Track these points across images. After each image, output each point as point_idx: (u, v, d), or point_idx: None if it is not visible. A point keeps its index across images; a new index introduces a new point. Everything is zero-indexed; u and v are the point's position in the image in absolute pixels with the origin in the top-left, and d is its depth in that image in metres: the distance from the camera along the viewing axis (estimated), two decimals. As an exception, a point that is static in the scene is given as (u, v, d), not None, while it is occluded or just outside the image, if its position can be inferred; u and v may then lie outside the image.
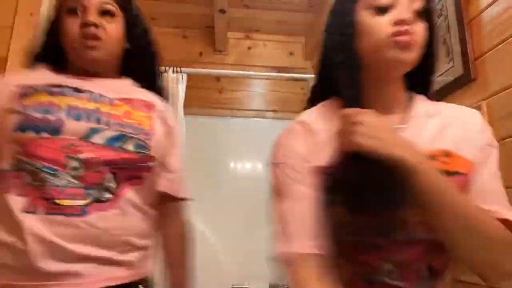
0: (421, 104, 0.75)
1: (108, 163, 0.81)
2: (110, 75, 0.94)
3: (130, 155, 0.84)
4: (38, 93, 0.83)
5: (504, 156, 1.05)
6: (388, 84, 0.74)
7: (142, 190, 0.87)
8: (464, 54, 1.20)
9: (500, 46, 1.08)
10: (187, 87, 2.16)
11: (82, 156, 0.79)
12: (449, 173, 0.65)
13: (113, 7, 0.90)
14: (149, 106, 0.93)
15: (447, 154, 0.68)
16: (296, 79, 2.80)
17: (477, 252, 0.63)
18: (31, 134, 0.78)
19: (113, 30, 0.89)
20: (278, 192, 0.72)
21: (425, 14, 0.70)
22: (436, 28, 0.75)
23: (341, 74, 0.73)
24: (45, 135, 0.79)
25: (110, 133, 0.83)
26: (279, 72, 2.76)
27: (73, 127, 0.81)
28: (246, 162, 2.71)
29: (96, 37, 0.86)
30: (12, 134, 0.79)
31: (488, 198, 0.67)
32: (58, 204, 0.76)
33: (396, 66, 0.70)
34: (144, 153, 0.86)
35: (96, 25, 0.85)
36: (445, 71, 1.30)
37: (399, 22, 0.67)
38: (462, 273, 1.18)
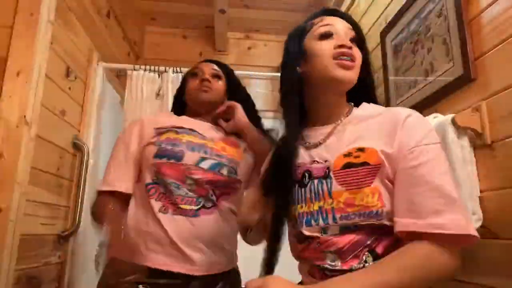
0: (356, 112, 0.89)
1: (210, 182, 1.17)
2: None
3: (224, 177, 1.19)
4: (168, 132, 1.22)
5: (504, 156, 1.06)
6: (331, 98, 0.89)
7: (232, 200, 1.23)
8: (464, 54, 1.19)
9: (500, 46, 1.08)
10: (187, 87, 2.15)
11: (194, 176, 1.15)
12: (358, 165, 0.78)
13: (219, 72, 1.35)
14: (236, 144, 1.29)
15: (361, 149, 0.79)
16: (296, 79, 2.80)
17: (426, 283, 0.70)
18: (164, 160, 1.16)
19: (219, 85, 1.34)
20: None
21: (358, 42, 0.88)
22: (368, 54, 0.91)
23: (285, 99, 0.92)
24: (172, 161, 1.16)
25: (212, 161, 1.18)
26: (279, 72, 2.75)
27: (190, 156, 1.17)
28: (246, 162, 2.70)
29: (208, 87, 1.30)
30: (152, 160, 1.17)
31: (414, 210, 0.71)
32: (181, 208, 1.12)
33: (339, 84, 0.85)
34: (233, 177, 1.21)
35: (208, 80, 1.30)
36: (445, 71, 1.30)
37: (339, 46, 0.84)
38: (462, 273, 1.18)
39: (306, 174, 0.85)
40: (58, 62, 1.66)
